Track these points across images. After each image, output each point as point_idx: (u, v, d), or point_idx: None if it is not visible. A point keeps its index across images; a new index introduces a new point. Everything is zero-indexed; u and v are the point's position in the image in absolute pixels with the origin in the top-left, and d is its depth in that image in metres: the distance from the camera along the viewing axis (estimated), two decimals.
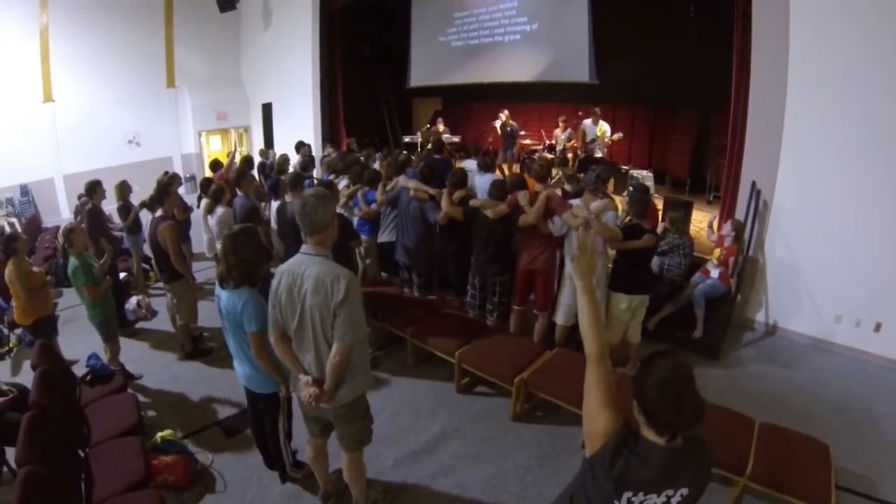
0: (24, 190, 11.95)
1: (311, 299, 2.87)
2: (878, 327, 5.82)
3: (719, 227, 6.83)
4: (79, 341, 5.76)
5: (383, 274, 7.03)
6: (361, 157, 8.77)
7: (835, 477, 3.60)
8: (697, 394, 1.76)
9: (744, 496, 3.77)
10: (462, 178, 5.89)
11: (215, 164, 9.40)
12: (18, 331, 6.51)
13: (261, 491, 4.05)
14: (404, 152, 9.51)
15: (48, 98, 12.22)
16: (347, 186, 6.92)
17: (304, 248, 2.98)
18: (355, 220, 6.67)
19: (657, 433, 1.79)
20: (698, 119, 10.27)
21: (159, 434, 4.33)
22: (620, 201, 7.18)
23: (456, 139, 12.65)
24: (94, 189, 7.24)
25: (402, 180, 6.24)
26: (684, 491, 1.82)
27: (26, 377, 4.37)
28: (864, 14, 5.40)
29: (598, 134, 10.05)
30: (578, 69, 10.66)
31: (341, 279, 2.83)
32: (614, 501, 1.84)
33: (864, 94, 5.52)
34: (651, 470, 1.80)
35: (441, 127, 12.55)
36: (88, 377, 4.78)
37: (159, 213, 5.69)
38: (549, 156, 10.91)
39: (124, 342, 6.07)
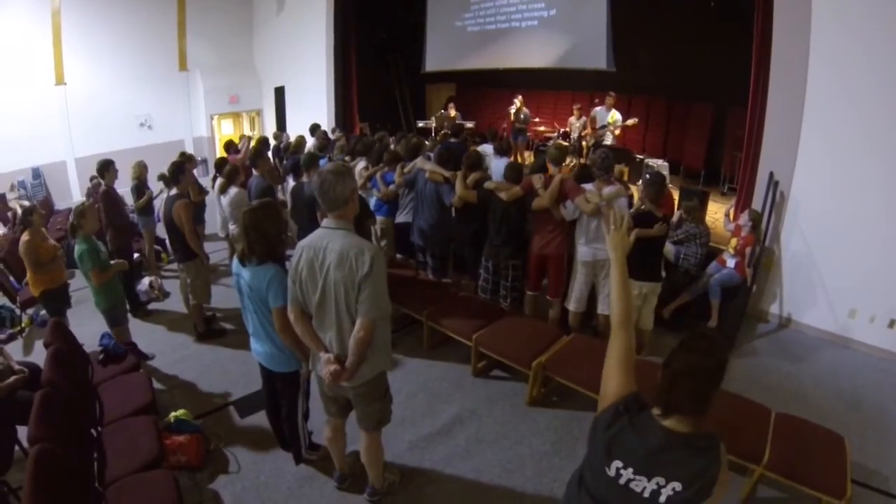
0: (36, 173, 11.98)
1: (335, 273, 2.80)
2: (892, 324, 5.75)
3: (735, 217, 6.76)
4: (89, 323, 5.74)
5: (399, 256, 6.96)
6: (376, 142, 8.69)
7: (850, 470, 3.55)
8: (708, 386, 1.74)
9: (758, 486, 3.73)
10: (477, 160, 5.82)
11: (229, 146, 9.30)
12: (31, 311, 6.56)
13: (275, 472, 4.03)
14: (417, 136, 9.45)
15: (60, 81, 12.20)
16: (366, 168, 6.86)
17: (325, 222, 2.92)
18: (373, 201, 6.62)
19: (656, 406, 1.80)
20: (714, 111, 10.19)
21: (172, 414, 4.31)
22: (636, 190, 7.12)
23: (469, 125, 12.55)
24: (106, 168, 6.84)
25: (419, 162, 6.18)
26: (676, 486, 1.69)
27: (38, 357, 4.35)
28: (889, 4, 5.29)
29: (610, 121, 9.96)
30: (596, 56, 10.55)
31: (366, 252, 2.77)
32: (605, 468, 1.82)
33: (886, 86, 5.41)
34: (643, 445, 1.76)
35: (452, 112, 12.42)
36: (101, 356, 4.76)
37: (174, 191, 5.67)
38: (564, 143, 10.81)
39: (138, 323, 6.10)
